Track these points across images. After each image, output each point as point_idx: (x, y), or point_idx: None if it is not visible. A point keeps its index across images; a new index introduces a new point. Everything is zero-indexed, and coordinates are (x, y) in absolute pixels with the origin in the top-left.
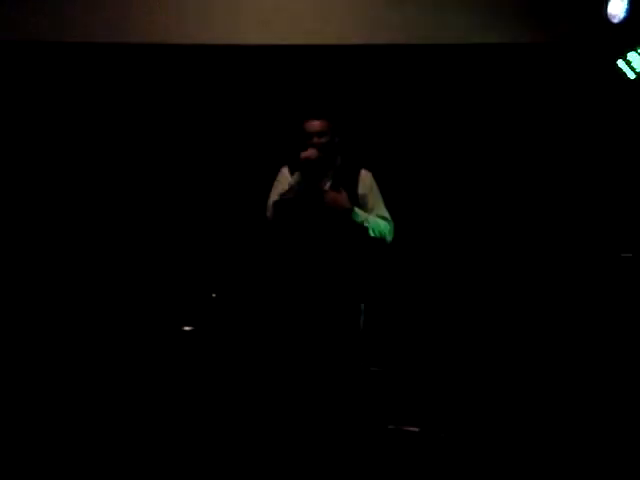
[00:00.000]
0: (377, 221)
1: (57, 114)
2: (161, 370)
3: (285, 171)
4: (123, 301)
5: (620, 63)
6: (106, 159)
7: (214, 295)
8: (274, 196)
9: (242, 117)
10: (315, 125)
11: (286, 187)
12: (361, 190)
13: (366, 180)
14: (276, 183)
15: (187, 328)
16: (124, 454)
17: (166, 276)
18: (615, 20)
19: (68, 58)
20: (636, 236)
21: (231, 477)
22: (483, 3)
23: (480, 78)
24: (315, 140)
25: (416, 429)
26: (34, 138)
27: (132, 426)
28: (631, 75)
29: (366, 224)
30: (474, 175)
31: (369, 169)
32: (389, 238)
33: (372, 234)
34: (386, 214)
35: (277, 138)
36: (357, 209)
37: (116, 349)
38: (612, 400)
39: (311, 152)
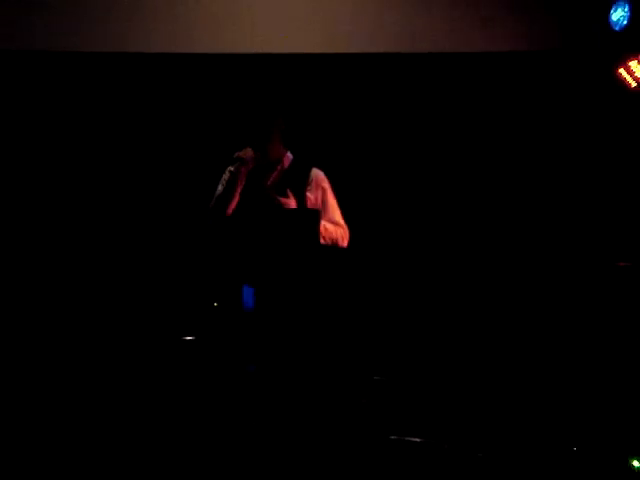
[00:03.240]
0: (327, 227)
1: (55, 125)
2: (161, 380)
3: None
4: (123, 310)
5: (622, 71)
6: (107, 166)
7: (215, 304)
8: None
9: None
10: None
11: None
12: (311, 193)
13: (317, 181)
14: (219, 186)
15: (188, 338)
16: (123, 464)
17: (167, 284)
18: (617, 28)
19: (68, 68)
20: (635, 244)
21: None
22: (482, 11)
23: (481, 86)
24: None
25: (418, 440)
26: (31, 148)
27: (131, 436)
28: (633, 83)
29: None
30: (474, 180)
31: (327, 169)
32: (343, 245)
33: (322, 242)
34: (339, 219)
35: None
36: None
37: (115, 359)
38: (612, 410)
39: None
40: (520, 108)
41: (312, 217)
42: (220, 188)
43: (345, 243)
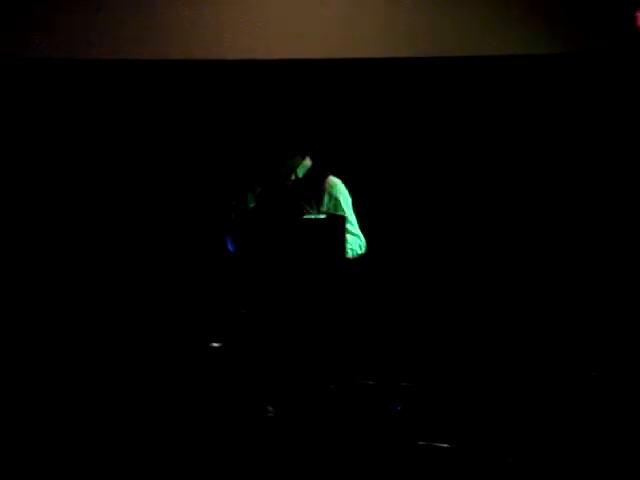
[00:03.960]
0: (348, 239)
1: (64, 131)
2: (189, 387)
3: None
4: (150, 317)
5: None
6: (133, 173)
7: (243, 311)
8: None
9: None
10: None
11: None
12: (325, 206)
13: (330, 192)
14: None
15: (215, 344)
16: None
17: (195, 291)
18: None
19: (75, 75)
20: None
21: None
22: (509, 14)
23: (503, 90)
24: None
25: (447, 445)
26: (38, 158)
27: (158, 445)
28: None
29: None
30: (501, 183)
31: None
32: (361, 253)
33: (349, 254)
34: (356, 229)
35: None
36: None
37: (143, 366)
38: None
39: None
40: (544, 111)
41: (338, 223)
42: (233, 215)
43: (362, 251)
